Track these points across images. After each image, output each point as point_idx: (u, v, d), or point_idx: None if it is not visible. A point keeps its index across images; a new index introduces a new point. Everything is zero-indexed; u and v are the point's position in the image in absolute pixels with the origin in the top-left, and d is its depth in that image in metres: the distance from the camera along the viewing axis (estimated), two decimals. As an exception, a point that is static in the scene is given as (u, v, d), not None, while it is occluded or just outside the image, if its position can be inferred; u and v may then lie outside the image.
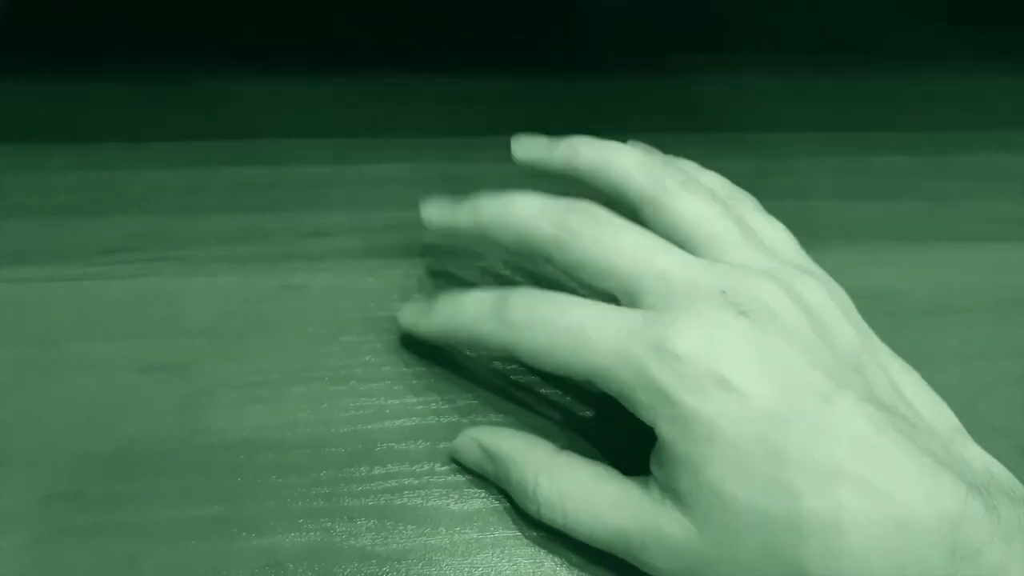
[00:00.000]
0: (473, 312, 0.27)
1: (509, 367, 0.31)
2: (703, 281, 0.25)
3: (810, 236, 0.35)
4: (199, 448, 0.28)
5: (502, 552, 0.26)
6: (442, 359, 0.31)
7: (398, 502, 0.27)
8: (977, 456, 0.25)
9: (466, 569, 0.26)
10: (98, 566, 0.25)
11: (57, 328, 0.31)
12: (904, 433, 0.23)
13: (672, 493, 0.23)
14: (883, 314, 0.32)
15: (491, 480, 0.27)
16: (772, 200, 0.37)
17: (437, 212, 0.30)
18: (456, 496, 0.27)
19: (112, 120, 0.38)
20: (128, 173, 0.36)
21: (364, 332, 0.31)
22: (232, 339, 0.31)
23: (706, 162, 0.38)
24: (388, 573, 0.26)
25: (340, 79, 0.41)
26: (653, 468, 0.24)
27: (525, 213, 0.27)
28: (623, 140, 0.39)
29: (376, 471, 0.28)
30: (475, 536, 0.27)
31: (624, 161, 0.28)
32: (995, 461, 0.25)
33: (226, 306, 0.32)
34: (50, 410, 0.29)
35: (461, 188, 0.36)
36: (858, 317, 0.27)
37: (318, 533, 0.26)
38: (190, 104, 0.40)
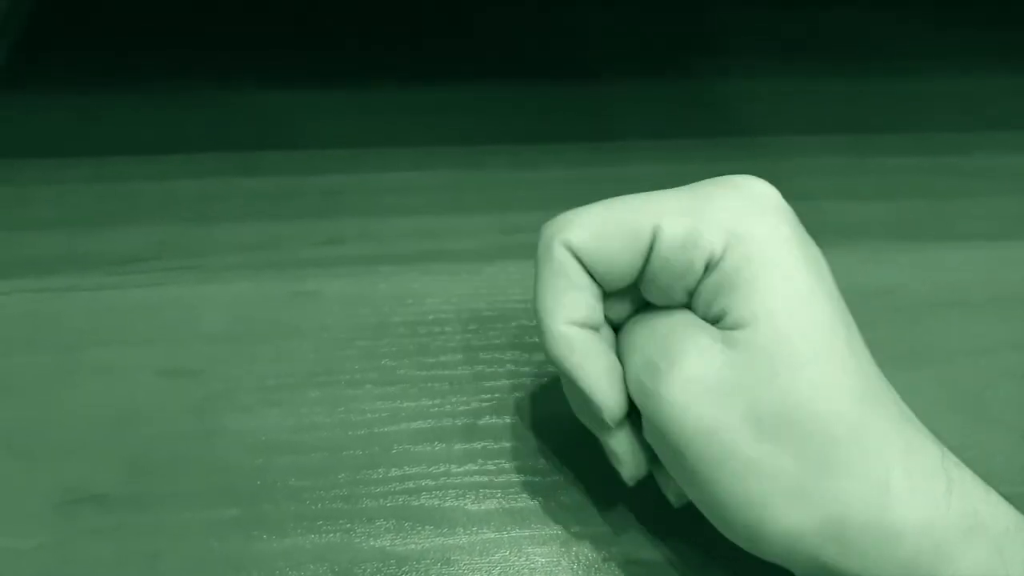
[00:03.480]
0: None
1: (523, 371, 0.31)
2: None
3: (814, 235, 0.36)
4: (218, 450, 0.29)
5: (519, 551, 0.27)
6: (456, 363, 0.31)
7: (415, 503, 0.28)
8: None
9: (484, 568, 0.26)
10: (120, 566, 0.26)
11: (78, 335, 0.32)
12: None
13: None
14: (887, 310, 0.33)
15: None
16: (777, 202, 0.37)
17: None
18: (472, 496, 0.28)
19: (129, 133, 0.39)
20: (145, 184, 0.37)
21: (379, 336, 0.32)
22: (248, 344, 0.32)
23: (712, 164, 0.39)
24: (407, 572, 0.26)
25: (351, 91, 0.41)
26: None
27: None
28: (626, 146, 0.39)
29: (393, 473, 0.28)
30: (492, 536, 0.27)
31: None
32: None
33: (242, 312, 0.33)
34: (73, 414, 0.29)
35: (471, 195, 0.37)
36: None
37: (337, 534, 0.27)
38: (205, 116, 0.40)
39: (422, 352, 0.32)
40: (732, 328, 0.22)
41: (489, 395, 0.30)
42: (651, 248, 0.23)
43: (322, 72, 0.42)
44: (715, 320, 0.22)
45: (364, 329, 0.32)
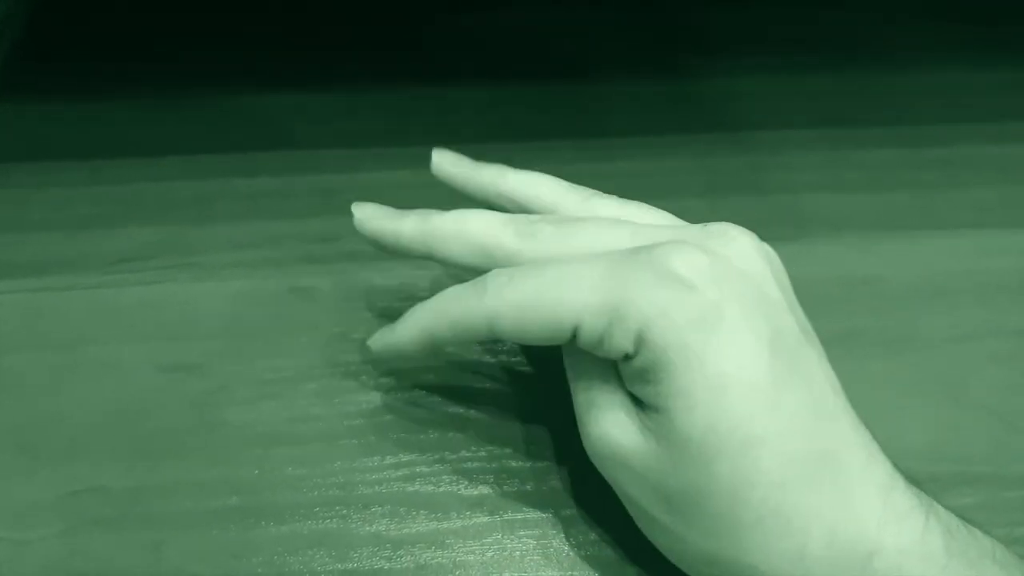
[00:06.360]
0: (451, 295, 0.26)
1: (514, 359, 0.32)
2: (668, 232, 0.25)
3: (800, 227, 0.37)
4: (217, 442, 0.29)
5: (512, 533, 0.27)
6: (449, 354, 0.32)
7: (410, 489, 0.28)
8: None
9: (477, 550, 0.27)
10: (124, 555, 0.26)
11: (78, 333, 0.32)
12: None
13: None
14: (872, 298, 0.34)
15: None
16: (764, 194, 0.38)
17: (375, 216, 0.28)
18: (466, 482, 0.29)
19: (126, 136, 0.40)
20: (142, 185, 0.38)
21: (373, 330, 0.32)
22: (245, 339, 0.32)
23: (699, 159, 0.40)
24: (402, 556, 0.27)
25: (343, 92, 0.42)
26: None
27: (484, 226, 0.26)
28: (615, 143, 0.40)
29: (388, 460, 0.29)
30: (485, 519, 0.28)
31: (551, 186, 0.28)
32: None
33: (238, 309, 0.33)
34: (75, 409, 0.30)
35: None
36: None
37: (334, 520, 0.27)
38: (200, 119, 0.41)
39: (416, 345, 0.32)
40: (652, 410, 0.23)
41: (482, 384, 0.31)
42: (573, 336, 0.24)
43: (315, 74, 0.43)
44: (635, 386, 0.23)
45: (359, 323, 0.33)
